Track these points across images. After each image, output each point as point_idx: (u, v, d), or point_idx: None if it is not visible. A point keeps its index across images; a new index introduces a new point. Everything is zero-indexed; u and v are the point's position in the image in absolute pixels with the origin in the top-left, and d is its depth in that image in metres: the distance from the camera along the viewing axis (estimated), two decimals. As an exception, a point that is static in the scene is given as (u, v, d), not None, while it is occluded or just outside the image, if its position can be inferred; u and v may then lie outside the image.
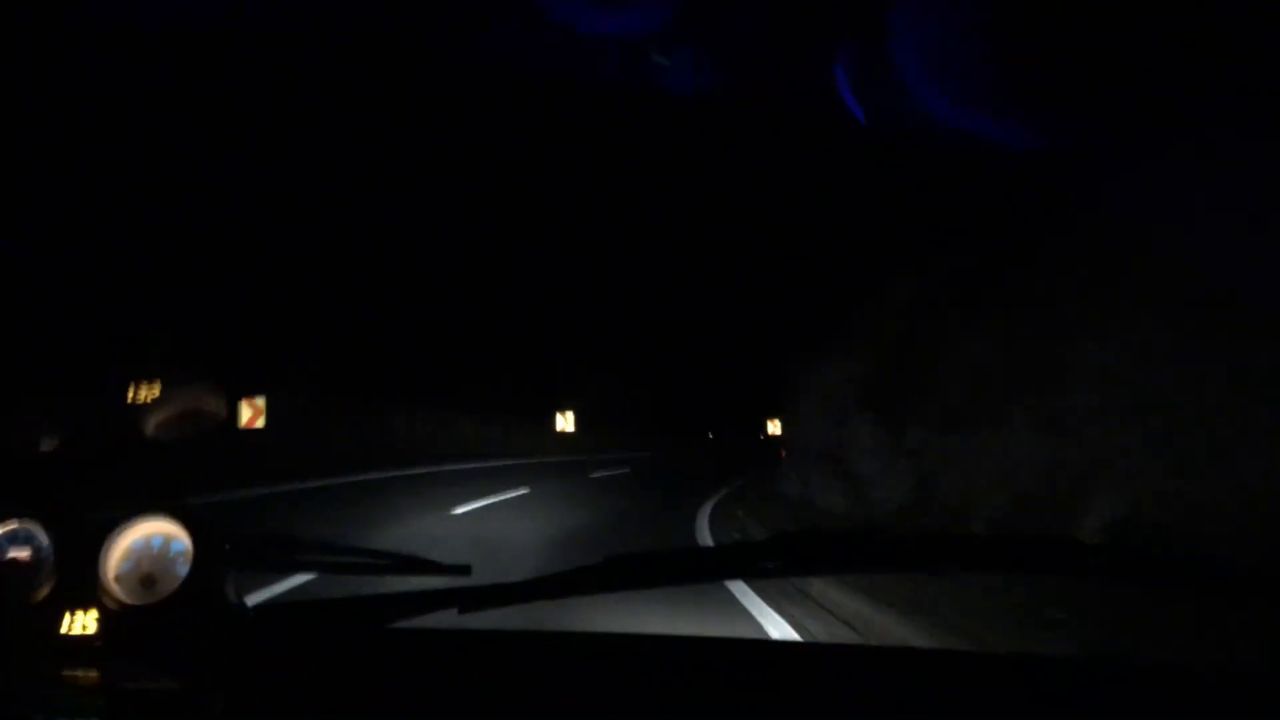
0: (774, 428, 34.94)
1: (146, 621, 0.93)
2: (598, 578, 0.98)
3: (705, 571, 1.03)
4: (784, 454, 12.01)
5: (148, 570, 0.97)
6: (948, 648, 2.90)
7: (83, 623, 0.92)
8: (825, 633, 3.48)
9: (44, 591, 0.94)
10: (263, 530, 1.04)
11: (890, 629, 3.37)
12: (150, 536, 1.00)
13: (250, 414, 12.88)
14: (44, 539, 0.96)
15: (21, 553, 0.96)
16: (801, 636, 3.37)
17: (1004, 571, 1.05)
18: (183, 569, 0.97)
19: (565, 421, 27.23)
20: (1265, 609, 1.00)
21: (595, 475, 14.67)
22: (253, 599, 1.02)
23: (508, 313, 24.78)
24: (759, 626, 3.56)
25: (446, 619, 0.97)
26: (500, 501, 9.07)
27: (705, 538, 6.79)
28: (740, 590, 3.99)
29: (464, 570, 1.06)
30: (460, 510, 7.79)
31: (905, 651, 1.53)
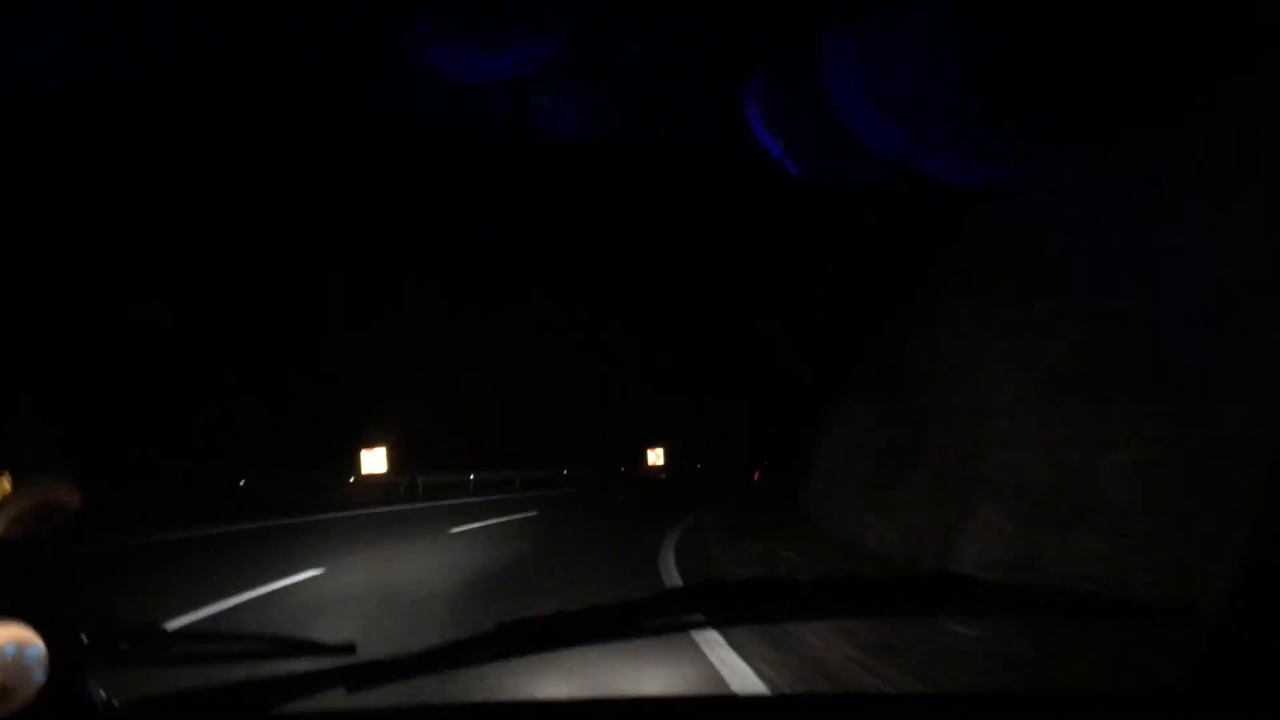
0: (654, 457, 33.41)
1: None
2: (490, 646, 0.99)
3: (601, 632, 1.05)
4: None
5: (1, 681, 0.95)
6: (922, 691, 2.94)
7: None
8: (795, 682, 3.38)
9: None
10: (125, 623, 1.02)
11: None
12: (2, 645, 0.98)
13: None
14: None
15: None
16: (768, 687, 3.28)
17: (902, 614, 1.13)
18: (39, 676, 0.95)
19: (374, 460, 21.16)
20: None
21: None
22: (125, 693, 1.00)
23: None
24: (718, 678, 3.46)
25: (336, 699, 0.96)
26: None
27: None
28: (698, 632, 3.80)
29: (348, 649, 1.05)
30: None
31: (887, 698, 1.56)
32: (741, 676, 3.49)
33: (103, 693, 0.98)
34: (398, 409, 22.29)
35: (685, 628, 1.05)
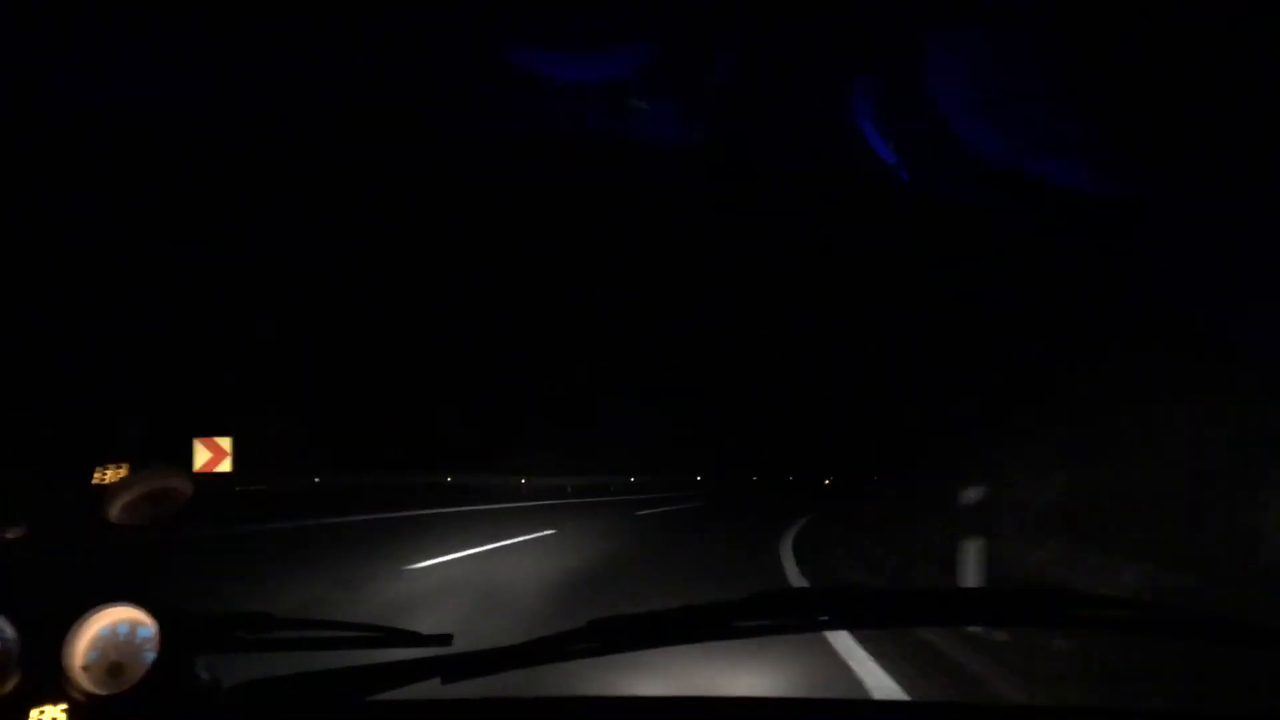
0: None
1: (116, 711, 0.96)
2: (582, 641, 1.01)
3: (693, 632, 1.07)
4: None
5: (115, 659, 1.01)
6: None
7: (51, 715, 0.95)
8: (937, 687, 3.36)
9: (10, 685, 0.96)
10: (232, 610, 1.07)
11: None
12: (116, 624, 1.03)
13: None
14: (9, 631, 0.99)
15: None
16: (909, 693, 3.25)
17: (999, 624, 1.10)
18: (150, 655, 1.01)
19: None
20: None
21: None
22: (233, 677, 1.06)
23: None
24: (854, 679, 3.44)
25: (431, 689, 1.00)
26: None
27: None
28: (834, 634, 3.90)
29: (445, 640, 1.08)
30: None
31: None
32: (862, 677, 3.49)
33: (210, 674, 1.03)
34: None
35: (776, 630, 1.05)
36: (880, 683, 3.41)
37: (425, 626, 1.09)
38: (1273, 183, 4.50)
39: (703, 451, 38.64)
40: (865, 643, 3.93)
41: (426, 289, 24.70)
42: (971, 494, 4.83)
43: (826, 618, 1.09)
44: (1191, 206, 5.24)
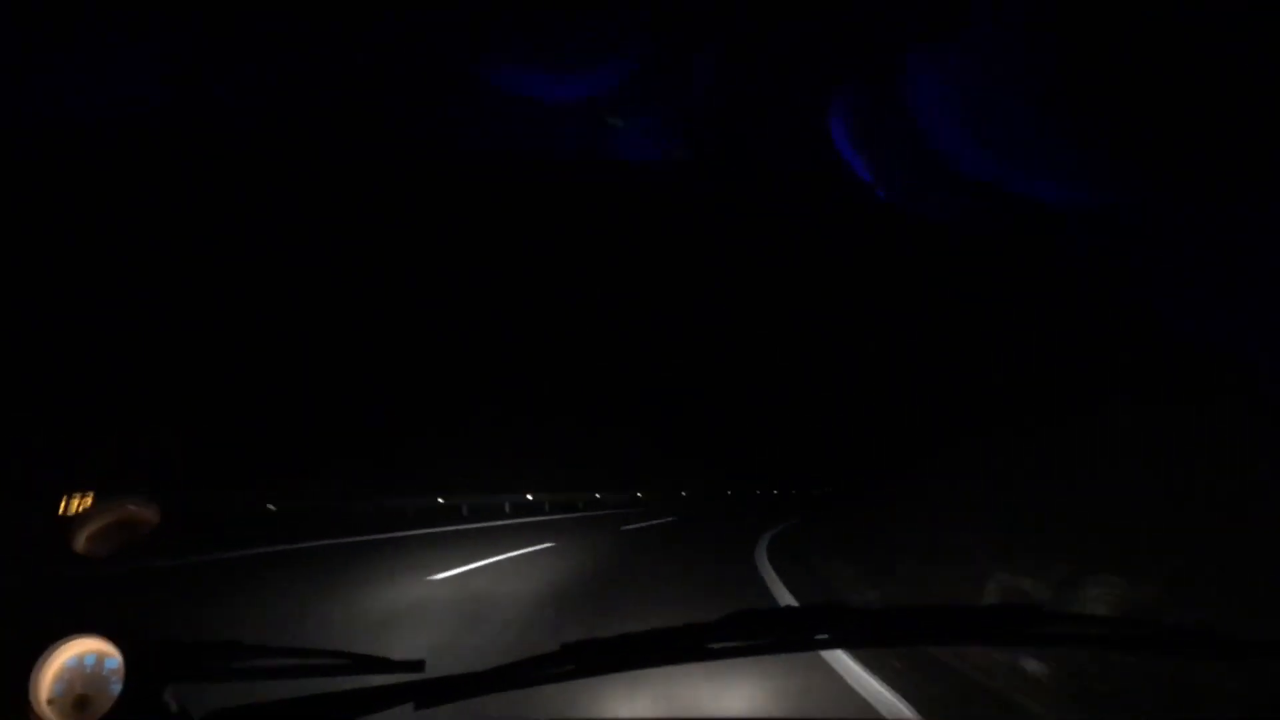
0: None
1: None
2: (556, 665, 1.01)
3: (665, 654, 1.07)
4: None
5: (81, 691, 0.99)
6: None
7: None
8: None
9: None
10: (199, 638, 1.07)
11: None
12: (83, 655, 1.02)
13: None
14: None
15: None
16: (916, 710, 3.18)
17: (973, 642, 1.11)
18: (117, 687, 1.00)
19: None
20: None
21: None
22: (202, 706, 1.05)
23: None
24: (856, 696, 3.39)
25: (403, 715, 1.00)
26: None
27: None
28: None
29: (417, 666, 1.09)
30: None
31: None
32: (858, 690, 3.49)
33: (178, 704, 1.02)
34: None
35: (747, 653, 1.06)
36: (878, 697, 3.40)
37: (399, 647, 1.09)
38: (1248, 190, 4.59)
39: (677, 465, 38.76)
40: (857, 658, 3.92)
41: (396, 310, 24.66)
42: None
43: (799, 638, 1.10)
44: (1168, 215, 5.32)
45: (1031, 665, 3.59)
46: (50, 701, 0.98)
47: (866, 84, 7.20)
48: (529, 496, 24.76)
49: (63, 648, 1.02)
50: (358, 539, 14.13)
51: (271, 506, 16.36)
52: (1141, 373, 6.04)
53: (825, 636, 1.12)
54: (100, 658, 1.02)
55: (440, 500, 20.14)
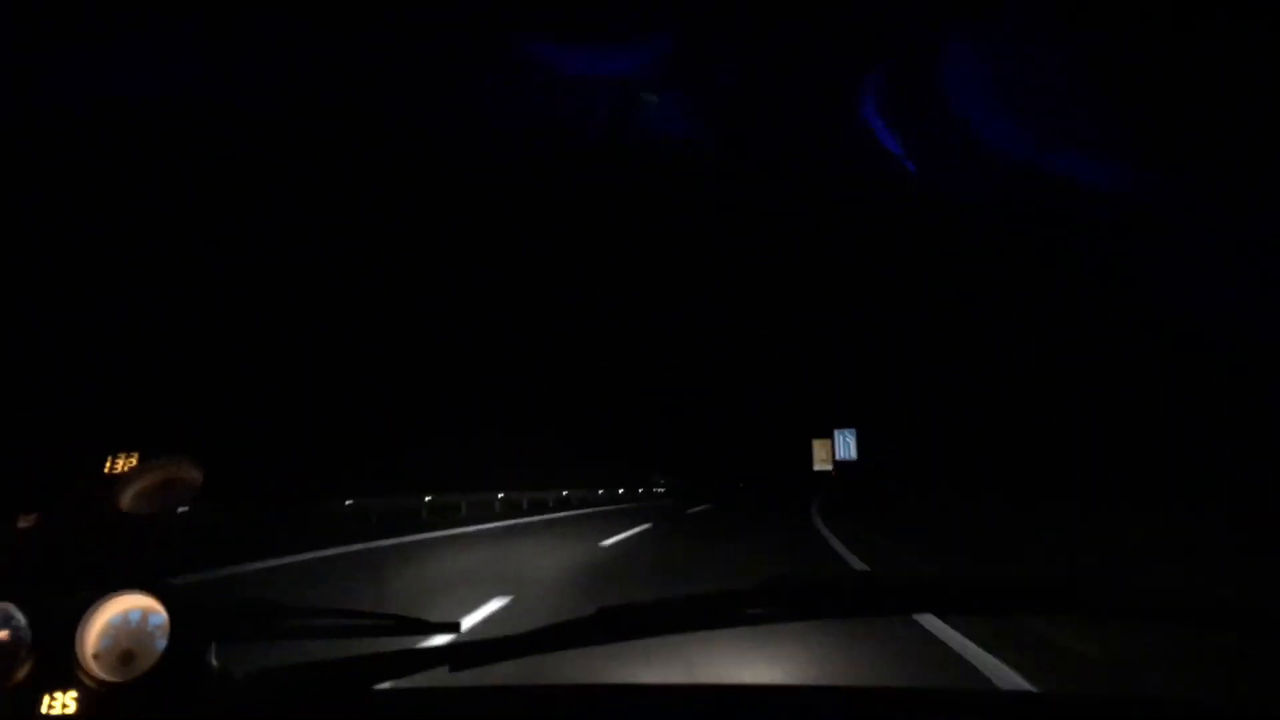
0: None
1: (127, 698, 0.97)
2: (590, 630, 1.02)
3: (702, 620, 1.08)
4: None
5: (126, 646, 1.02)
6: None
7: (62, 703, 0.96)
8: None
9: (22, 673, 0.97)
10: (242, 598, 1.09)
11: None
12: (127, 611, 1.04)
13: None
14: (20, 619, 1.00)
15: None
16: (1032, 684, 3.14)
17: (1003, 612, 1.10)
18: (161, 643, 1.02)
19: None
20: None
21: None
22: (243, 665, 1.07)
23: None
24: (970, 668, 3.37)
25: (439, 677, 1.01)
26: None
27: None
28: (932, 622, 3.88)
29: (453, 627, 1.11)
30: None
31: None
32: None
33: (220, 662, 1.04)
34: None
35: (783, 619, 1.06)
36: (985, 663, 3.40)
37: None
38: None
39: (679, 464, 41.01)
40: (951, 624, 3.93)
41: (384, 312, 24.90)
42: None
43: (834, 605, 1.10)
44: (1203, 207, 5.17)
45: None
46: (96, 656, 1.00)
47: (900, 62, 7.06)
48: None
49: (108, 604, 1.04)
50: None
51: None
52: (1147, 368, 5.89)
53: (860, 604, 1.11)
54: (145, 614, 1.04)
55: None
